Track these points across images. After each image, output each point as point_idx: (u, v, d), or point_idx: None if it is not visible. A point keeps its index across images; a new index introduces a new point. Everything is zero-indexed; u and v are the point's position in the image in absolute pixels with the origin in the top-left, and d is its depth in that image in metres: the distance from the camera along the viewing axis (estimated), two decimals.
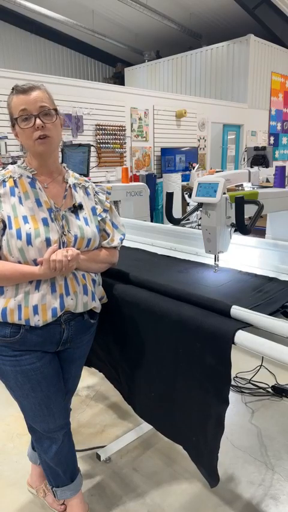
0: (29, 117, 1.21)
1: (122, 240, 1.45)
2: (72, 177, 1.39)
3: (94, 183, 1.48)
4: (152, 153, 6.88)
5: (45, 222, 1.24)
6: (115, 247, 1.44)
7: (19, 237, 1.20)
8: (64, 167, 1.40)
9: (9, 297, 1.25)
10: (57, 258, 1.18)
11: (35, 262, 1.22)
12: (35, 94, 1.21)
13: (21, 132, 1.24)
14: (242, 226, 1.49)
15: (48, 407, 1.39)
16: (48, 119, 1.23)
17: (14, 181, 1.27)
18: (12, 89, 1.24)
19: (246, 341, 1.08)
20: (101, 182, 5.16)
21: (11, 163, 1.39)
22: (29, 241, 1.20)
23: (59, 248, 1.24)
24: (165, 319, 1.28)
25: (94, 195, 1.41)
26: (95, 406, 2.35)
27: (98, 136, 5.95)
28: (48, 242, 1.22)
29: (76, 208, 1.32)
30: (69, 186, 1.35)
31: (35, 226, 1.22)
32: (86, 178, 1.44)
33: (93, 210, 1.38)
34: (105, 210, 1.42)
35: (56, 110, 1.25)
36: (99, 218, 1.39)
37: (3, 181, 1.27)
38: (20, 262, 1.22)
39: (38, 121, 1.21)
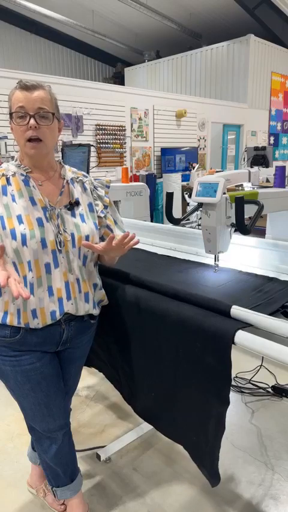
0: (24, 116, 1.19)
1: None
2: (70, 171, 1.37)
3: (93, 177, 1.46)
4: (152, 153, 6.88)
5: (40, 222, 1.22)
6: None
7: (14, 237, 1.18)
8: (60, 162, 1.37)
9: (7, 300, 1.25)
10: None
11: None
12: (36, 93, 1.19)
13: (15, 129, 1.22)
14: (242, 226, 1.49)
15: (48, 407, 1.39)
16: (45, 121, 1.21)
17: (7, 179, 1.25)
18: (17, 83, 1.21)
19: (246, 341, 1.08)
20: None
21: None
22: (24, 242, 1.18)
23: (56, 247, 1.23)
24: (165, 319, 1.28)
25: (93, 190, 1.39)
26: (95, 406, 2.35)
27: (98, 136, 5.94)
28: (43, 243, 1.21)
29: (72, 205, 1.30)
30: (67, 181, 1.33)
31: (29, 227, 1.20)
32: (84, 173, 1.42)
33: (90, 206, 1.36)
34: (105, 206, 1.41)
35: (54, 114, 1.23)
36: (101, 215, 1.38)
37: None
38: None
39: (32, 121, 1.18)
